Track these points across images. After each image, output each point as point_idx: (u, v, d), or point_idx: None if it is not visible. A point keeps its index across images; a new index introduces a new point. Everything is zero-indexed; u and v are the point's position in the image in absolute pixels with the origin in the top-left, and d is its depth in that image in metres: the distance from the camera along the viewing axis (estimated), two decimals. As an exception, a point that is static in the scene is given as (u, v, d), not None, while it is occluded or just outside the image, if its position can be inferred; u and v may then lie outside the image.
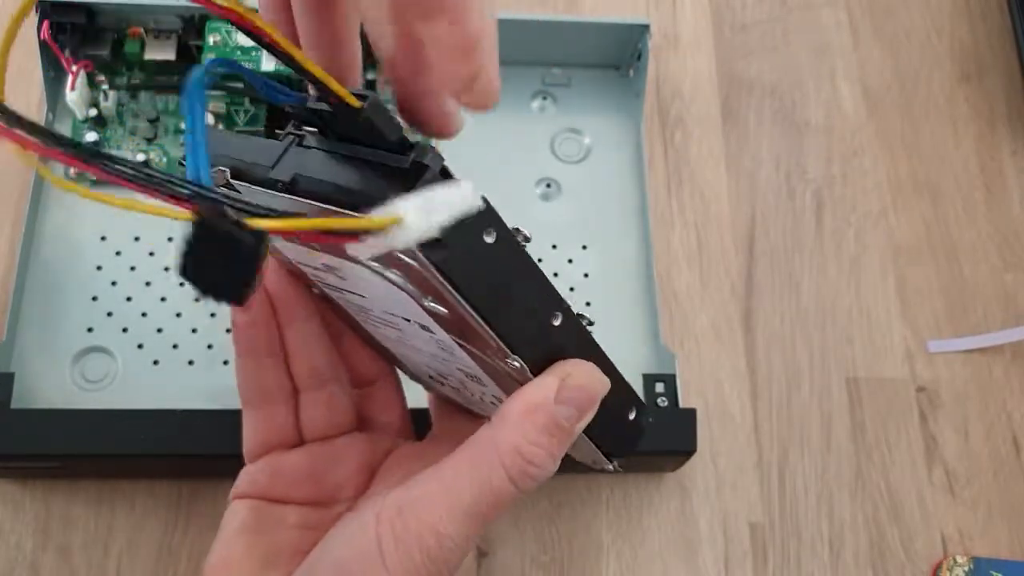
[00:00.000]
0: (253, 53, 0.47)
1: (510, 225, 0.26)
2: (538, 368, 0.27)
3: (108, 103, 0.47)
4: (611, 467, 0.32)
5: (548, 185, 0.50)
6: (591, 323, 0.30)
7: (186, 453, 0.40)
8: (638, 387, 0.45)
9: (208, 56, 0.47)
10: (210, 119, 0.47)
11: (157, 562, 0.41)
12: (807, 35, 0.56)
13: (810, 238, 0.51)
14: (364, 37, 0.27)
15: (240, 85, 0.48)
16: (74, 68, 0.46)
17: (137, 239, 0.46)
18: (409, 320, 0.28)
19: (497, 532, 0.43)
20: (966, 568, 0.44)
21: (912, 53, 0.56)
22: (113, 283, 0.44)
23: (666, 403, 0.43)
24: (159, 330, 0.44)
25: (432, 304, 0.25)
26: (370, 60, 0.49)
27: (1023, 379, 0.49)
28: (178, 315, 0.44)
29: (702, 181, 0.52)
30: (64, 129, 0.47)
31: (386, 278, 0.25)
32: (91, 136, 0.47)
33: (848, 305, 0.50)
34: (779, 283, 0.50)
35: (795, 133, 0.53)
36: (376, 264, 0.25)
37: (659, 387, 0.44)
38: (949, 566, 0.44)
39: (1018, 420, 0.48)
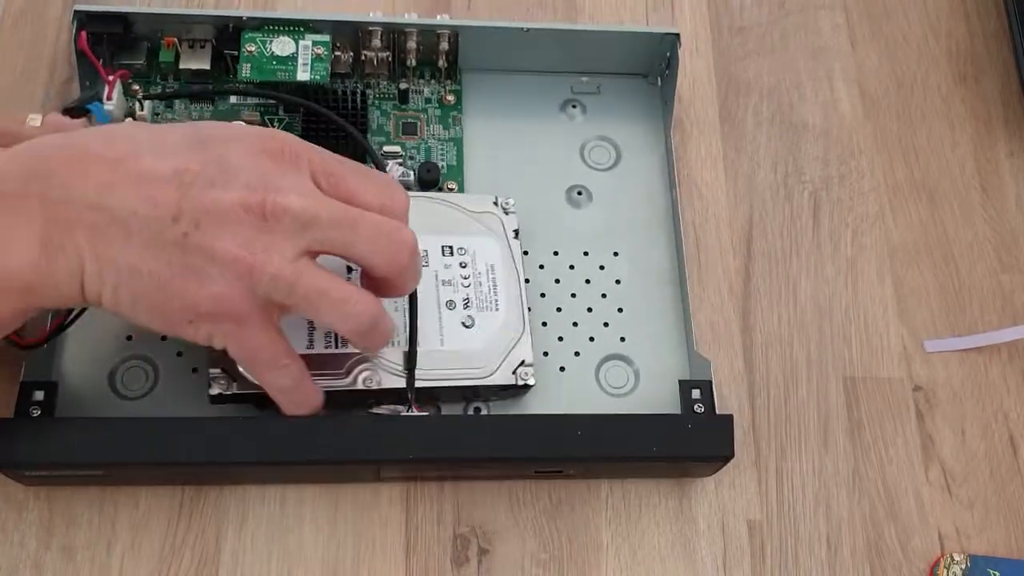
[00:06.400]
0: (289, 63, 0.47)
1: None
2: None
3: (144, 112, 0.47)
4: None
5: (579, 192, 0.50)
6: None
7: (228, 460, 0.40)
8: (674, 393, 0.45)
9: (244, 66, 0.47)
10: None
11: (160, 561, 0.42)
12: (805, 37, 0.57)
13: (807, 239, 0.51)
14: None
15: (274, 94, 0.48)
16: (111, 78, 0.46)
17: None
18: None
19: (497, 529, 0.43)
20: (963, 566, 0.45)
21: (909, 55, 0.57)
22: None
23: (703, 409, 0.44)
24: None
25: None
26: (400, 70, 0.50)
27: (1019, 378, 0.49)
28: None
29: (700, 182, 0.52)
30: None
31: None
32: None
33: (845, 305, 0.50)
34: (777, 283, 0.50)
35: (793, 134, 0.54)
36: None
37: (695, 393, 0.44)
38: (946, 564, 0.45)
39: (1014, 419, 0.48)
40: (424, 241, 0.42)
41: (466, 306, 0.44)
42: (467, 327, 0.43)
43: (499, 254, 0.45)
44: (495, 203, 0.46)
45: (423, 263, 0.43)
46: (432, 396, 0.43)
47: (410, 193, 0.45)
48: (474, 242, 0.45)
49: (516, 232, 0.46)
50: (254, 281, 0.35)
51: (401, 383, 0.42)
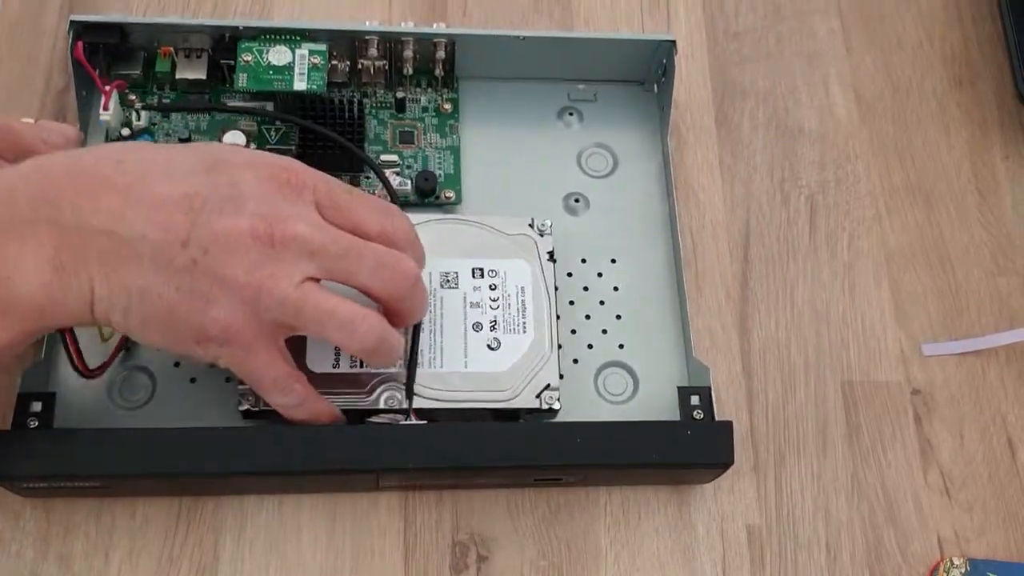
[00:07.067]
0: (285, 73, 0.47)
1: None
2: None
3: (141, 122, 0.47)
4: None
5: (576, 200, 0.50)
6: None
7: (227, 471, 0.40)
8: (672, 400, 0.45)
9: (241, 75, 0.47)
10: (240, 138, 0.47)
11: (157, 570, 0.41)
12: (800, 42, 0.57)
13: (804, 243, 0.51)
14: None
15: (270, 104, 0.48)
16: (107, 88, 0.46)
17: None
18: None
19: (496, 537, 0.43)
20: (962, 570, 0.45)
21: (904, 59, 0.57)
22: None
23: (702, 416, 0.44)
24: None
25: None
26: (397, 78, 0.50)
27: (1017, 381, 0.49)
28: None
29: (697, 187, 0.52)
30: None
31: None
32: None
33: (843, 309, 0.50)
34: (774, 288, 0.50)
35: (789, 139, 0.54)
36: None
37: (694, 400, 0.44)
38: (946, 568, 0.45)
39: (1012, 422, 0.48)
40: (455, 264, 0.44)
41: (493, 328, 0.44)
42: (492, 349, 0.43)
43: (530, 276, 0.45)
44: (530, 225, 0.46)
45: (453, 285, 0.44)
46: (455, 417, 0.43)
47: (444, 217, 0.46)
48: (505, 264, 0.45)
49: (551, 254, 0.46)
50: (261, 305, 0.35)
51: (425, 403, 0.42)
